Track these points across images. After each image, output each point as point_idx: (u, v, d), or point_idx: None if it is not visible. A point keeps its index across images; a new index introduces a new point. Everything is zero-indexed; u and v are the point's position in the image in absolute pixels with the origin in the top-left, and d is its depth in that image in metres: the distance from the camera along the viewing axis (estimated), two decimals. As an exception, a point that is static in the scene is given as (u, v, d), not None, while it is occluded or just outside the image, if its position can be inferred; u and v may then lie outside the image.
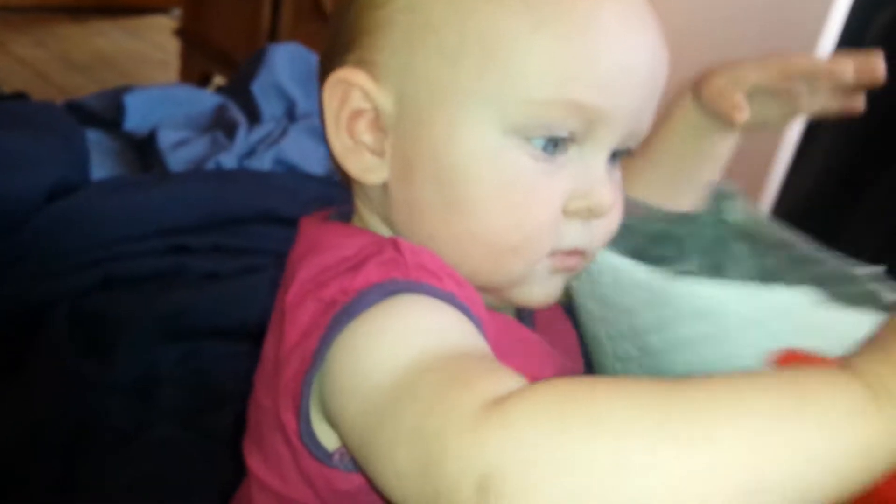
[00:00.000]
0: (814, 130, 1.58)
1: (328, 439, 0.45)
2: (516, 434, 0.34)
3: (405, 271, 0.44)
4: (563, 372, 0.53)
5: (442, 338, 0.42)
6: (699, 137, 0.61)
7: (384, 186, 0.49)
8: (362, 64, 0.48)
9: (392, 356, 0.41)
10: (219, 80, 2.13)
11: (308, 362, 0.43)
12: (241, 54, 1.83)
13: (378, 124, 0.48)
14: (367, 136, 0.48)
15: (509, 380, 0.38)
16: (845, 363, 0.36)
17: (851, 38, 1.54)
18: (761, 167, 2.14)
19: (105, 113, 1.31)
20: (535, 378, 0.40)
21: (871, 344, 0.37)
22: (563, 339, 0.59)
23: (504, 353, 0.43)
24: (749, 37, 2.00)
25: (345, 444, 0.44)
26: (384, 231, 0.51)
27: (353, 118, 0.48)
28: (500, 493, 0.33)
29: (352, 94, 0.47)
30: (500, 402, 0.36)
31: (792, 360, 0.49)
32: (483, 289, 0.49)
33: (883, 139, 1.39)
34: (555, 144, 0.46)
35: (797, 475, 0.33)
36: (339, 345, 0.42)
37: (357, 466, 0.44)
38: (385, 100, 0.47)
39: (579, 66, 0.45)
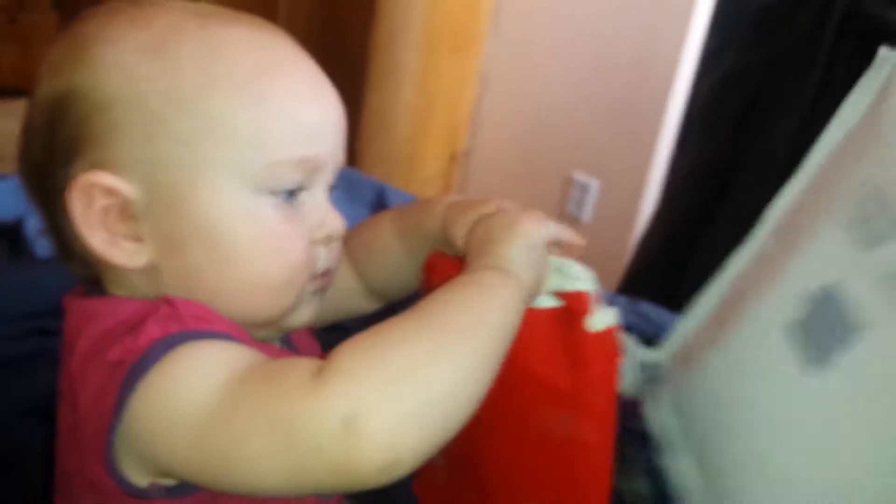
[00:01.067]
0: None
1: (139, 478, 0.52)
2: (352, 376, 0.45)
3: (182, 323, 0.52)
4: None
5: (240, 356, 0.51)
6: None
7: (149, 267, 0.56)
8: (98, 165, 0.54)
9: (205, 384, 0.48)
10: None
11: (107, 421, 0.49)
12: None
13: (128, 213, 0.55)
14: (120, 227, 0.55)
15: (314, 359, 0.48)
16: (480, 265, 0.57)
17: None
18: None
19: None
20: None
21: (481, 248, 0.59)
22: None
23: None
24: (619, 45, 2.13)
25: (182, 478, 0.50)
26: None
27: (104, 214, 0.54)
28: (364, 420, 0.43)
29: (95, 194, 0.54)
30: (321, 368, 0.46)
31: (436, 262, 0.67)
32: (264, 324, 0.59)
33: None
34: (291, 193, 0.56)
35: (497, 337, 0.52)
36: (140, 398, 0.49)
37: (171, 492, 0.52)
38: (132, 191, 0.54)
39: (297, 128, 0.56)
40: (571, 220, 2.46)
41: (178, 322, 0.52)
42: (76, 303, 0.59)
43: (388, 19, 2.16)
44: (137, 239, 0.55)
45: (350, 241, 0.75)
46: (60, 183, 0.55)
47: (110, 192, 0.54)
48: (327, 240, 0.60)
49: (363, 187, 1.60)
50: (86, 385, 0.52)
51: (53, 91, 0.55)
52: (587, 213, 2.44)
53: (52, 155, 0.55)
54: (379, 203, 1.60)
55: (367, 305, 0.77)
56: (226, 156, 0.54)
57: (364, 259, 0.75)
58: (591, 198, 2.42)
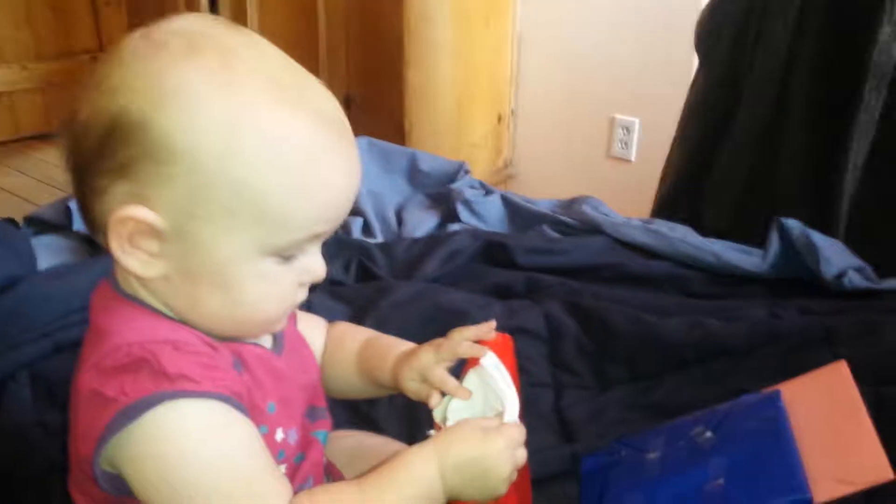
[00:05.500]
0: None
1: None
2: None
3: (171, 384, 0.59)
4: (304, 387, 0.75)
5: (230, 453, 0.60)
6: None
7: (160, 279, 0.62)
8: (142, 199, 0.59)
9: (193, 466, 0.59)
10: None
11: (92, 452, 0.60)
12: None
13: (153, 234, 0.60)
14: (142, 242, 0.60)
15: (282, 495, 0.61)
16: (430, 452, 0.67)
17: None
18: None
19: (56, 219, 1.54)
20: (282, 397, 0.69)
21: (441, 440, 0.68)
22: (304, 358, 0.79)
23: (261, 380, 0.67)
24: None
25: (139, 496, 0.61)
26: (160, 307, 0.64)
27: (131, 233, 0.60)
28: None
29: (130, 222, 0.60)
30: None
31: None
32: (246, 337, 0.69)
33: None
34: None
35: None
36: (122, 442, 0.59)
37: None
38: (163, 224, 0.60)
39: (325, 213, 0.64)
40: (619, 161, 2.55)
41: (167, 382, 0.59)
42: (97, 307, 0.66)
43: (418, 2, 2.28)
44: (155, 255, 0.61)
45: (328, 342, 0.86)
46: (101, 188, 0.60)
47: (144, 221, 0.59)
48: (310, 283, 0.68)
49: (396, 156, 1.74)
50: (80, 409, 0.62)
51: (119, 108, 0.59)
52: (633, 152, 2.51)
53: (100, 161, 0.60)
54: (412, 167, 1.74)
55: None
56: (256, 231, 0.61)
57: (328, 364, 0.85)
58: (635, 137, 2.50)
